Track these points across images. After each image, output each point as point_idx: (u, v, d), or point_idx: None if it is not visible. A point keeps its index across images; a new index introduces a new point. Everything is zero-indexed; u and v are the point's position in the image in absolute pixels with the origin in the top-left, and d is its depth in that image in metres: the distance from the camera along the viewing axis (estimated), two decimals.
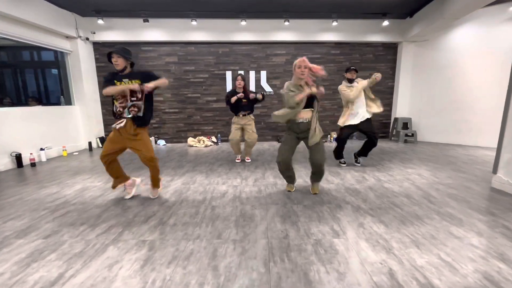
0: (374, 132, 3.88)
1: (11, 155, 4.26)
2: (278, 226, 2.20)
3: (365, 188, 3.14)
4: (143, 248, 1.90)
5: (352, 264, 1.69)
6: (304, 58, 2.62)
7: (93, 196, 2.97)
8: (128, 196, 2.88)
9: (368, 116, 3.85)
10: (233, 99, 4.13)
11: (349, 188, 3.12)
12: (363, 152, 4.10)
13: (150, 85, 2.47)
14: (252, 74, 6.50)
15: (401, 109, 6.72)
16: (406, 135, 6.39)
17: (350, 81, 3.87)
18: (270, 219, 2.33)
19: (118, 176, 2.82)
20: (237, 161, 4.55)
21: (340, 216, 2.39)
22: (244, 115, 4.28)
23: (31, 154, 4.42)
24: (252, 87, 6.54)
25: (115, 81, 2.53)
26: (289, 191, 3.03)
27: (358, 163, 4.20)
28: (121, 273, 1.62)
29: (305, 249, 1.86)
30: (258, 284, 1.51)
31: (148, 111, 2.62)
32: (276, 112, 2.76)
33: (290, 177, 3.01)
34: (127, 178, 2.90)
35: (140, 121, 2.58)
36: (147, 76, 2.55)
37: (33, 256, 1.82)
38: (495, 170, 3.08)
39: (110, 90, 2.46)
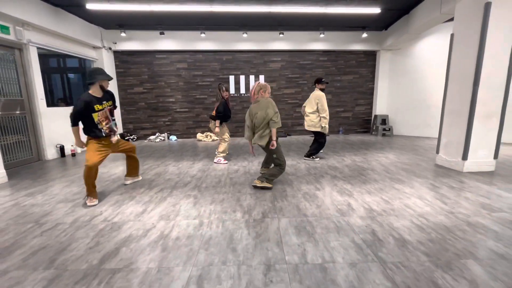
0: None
1: (56, 146, 5.15)
2: (278, 186, 3.20)
3: (342, 165, 4.17)
4: (190, 197, 2.88)
5: (326, 201, 2.70)
6: (259, 84, 3.02)
7: None
8: (92, 204, 2.74)
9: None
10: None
11: (331, 166, 4.15)
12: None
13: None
14: (252, 78, 7.49)
15: (380, 107, 7.81)
16: (384, 129, 7.48)
17: (323, 90, 4.40)
18: (273, 183, 3.32)
19: (93, 188, 2.81)
20: (225, 162, 4.51)
21: (321, 180, 3.40)
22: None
23: (72, 146, 5.32)
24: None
25: (96, 106, 2.69)
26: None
27: (317, 158, 4.64)
28: (182, 208, 2.60)
29: (297, 196, 2.86)
30: (269, 211, 2.51)
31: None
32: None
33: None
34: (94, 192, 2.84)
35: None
36: (112, 96, 2.91)
37: (119, 203, 2.77)
38: (437, 151, 4.15)
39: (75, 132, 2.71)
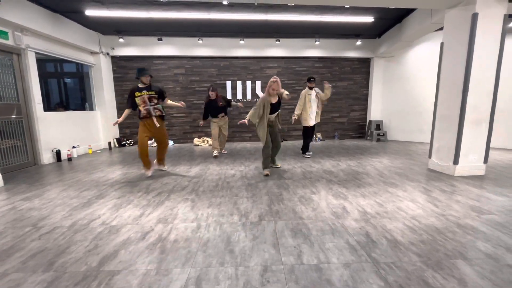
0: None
1: (52, 151, 5.14)
2: (275, 190, 3.25)
3: (337, 170, 4.24)
4: (188, 201, 2.91)
5: (321, 205, 2.75)
6: (277, 80, 3.71)
7: (135, 178, 3.93)
8: (148, 174, 3.98)
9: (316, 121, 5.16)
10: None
11: (326, 170, 4.22)
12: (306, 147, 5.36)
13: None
14: (248, 84, 7.59)
15: (374, 113, 7.95)
16: (378, 134, 7.61)
17: (310, 88, 4.99)
18: (269, 187, 3.38)
19: (148, 161, 3.93)
20: (215, 155, 5.38)
21: (317, 184, 3.46)
22: (222, 116, 5.34)
23: (68, 150, 5.31)
24: (248, 95, 7.64)
25: (136, 93, 3.73)
26: (267, 175, 3.92)
27: (308, 155, 5.31)
28: (180, 211, 2.63)
29: (293, 200, 2.91)
30: (265, 214, 2.55)
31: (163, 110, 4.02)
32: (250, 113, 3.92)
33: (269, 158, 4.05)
34: (150, 164, 4.02)
35: (163, 117, 4.02)
36: (158, 89, 3.86)
37: (116, 207, 2.79)
38: (430, 155, 4.25)
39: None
